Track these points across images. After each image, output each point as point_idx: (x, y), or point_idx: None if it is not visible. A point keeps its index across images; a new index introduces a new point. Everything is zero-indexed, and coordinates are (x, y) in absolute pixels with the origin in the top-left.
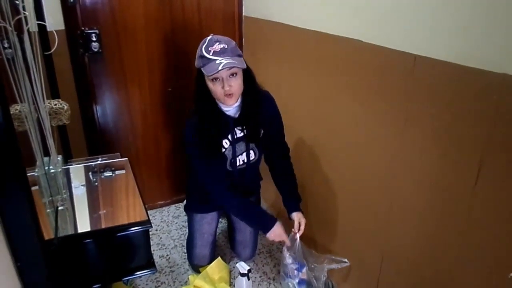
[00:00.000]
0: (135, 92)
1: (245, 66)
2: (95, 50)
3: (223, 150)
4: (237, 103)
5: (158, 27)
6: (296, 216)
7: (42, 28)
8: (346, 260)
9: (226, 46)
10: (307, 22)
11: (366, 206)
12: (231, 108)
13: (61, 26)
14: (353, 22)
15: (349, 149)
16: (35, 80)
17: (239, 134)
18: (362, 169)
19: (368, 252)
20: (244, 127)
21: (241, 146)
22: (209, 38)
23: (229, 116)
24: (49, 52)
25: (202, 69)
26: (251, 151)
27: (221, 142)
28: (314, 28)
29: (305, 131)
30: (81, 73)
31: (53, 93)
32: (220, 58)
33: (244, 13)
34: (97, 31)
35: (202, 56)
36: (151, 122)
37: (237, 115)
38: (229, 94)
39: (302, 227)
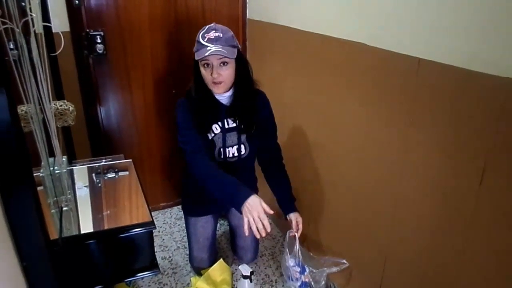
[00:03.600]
0: (139, 94)
1: (232, 57)
2: (100, 52)
3: (213, 135)
4: (229, 93)
5: (163, 29)
6: (293, 216)
7: (47, 30)
8: (345, 261)
9: (221, 35)
10: (311, 25)
11: (369, 208)
12: (223, 97)
13: (67, 28)
14: (357, 25)
15: (353, 151)
16: (41, 81)
17: (231, 124)
18: (366, 171)
19: (371, 254)
20: (237, 118)
21: (232, 137)
22: (208, 25)
23: (221, 103)
24: (54, 54)
25: (196, 53)
26: (242, 145)
27: (211, 125)
28: (318, 31)
29: (308, 133)
30: (85, 75)
31: (58, 94)
32: (211, 45)
33: (248, 16)
34: (102, 33)
35: (198, 41)
36: (155, 124)
37: (229, 104)
38: (217, 82)
39: (300, 226)
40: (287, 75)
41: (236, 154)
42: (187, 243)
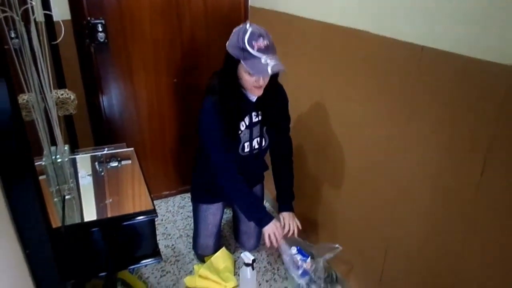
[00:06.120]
0: (141, 83)
1: (285, 69)
2: (101, 40)
3: (239, 132)
4: None
5: (164, 17)
6: (286, 216)
7: (48, 18)
8: (338, 245)
9: (268, 43)
10: (313, 13)
11: (371, 199)
12: (252, 95)
13: (67, 16)
14: (360, 13)
15: (354, 140)
16: (42, 70)
17: (254, 118)
18: (367, 161)
19: (372, 244)
20: (260, 112)
21: (255, 130)
22: (250, 30)
23: (249, 100)
24: (55, 42)
25: (243, 62)
26: (263, 138)
27: (240, 125)
28: (320, 18)
29: (310, 121)
30: (87, 63)
31: (60, 83)
32: (265, 57)
33: (250, 3)
34: (103, 21)
35: (244, 49)
36: (157, 113)
37: (254, 100)
38: (260, 87)
39: (291, 227)
40: (288, 63)
41: (256, 146)
42: (190, 231)
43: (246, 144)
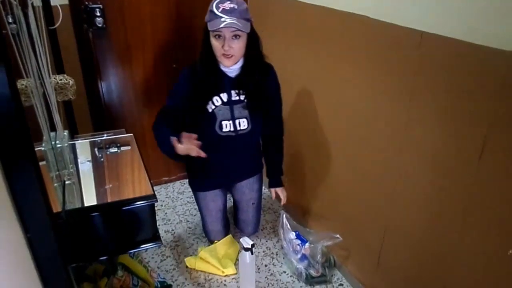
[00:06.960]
0: (139, 68)
1: (247, 30)
2: (99, 25)
3: (213, 107)
4: (237, 66)
5: (163, 2)
6: (279, 190)
7: (45, 2)
8: (338, 235)
9: (236, 7)
10: None
11: (370, 181)
12: (230, 70)
13: (65, 1)
14: None
15: (354, 125)
16: (40, 55)
17: (235, 96)
18: (367, 145)
19: (370, 229)
20: (242, 91)
21: (238, 110)
22: None
23: (226, 76)
24: (53, 27)
25: (208, 24)
26: (245, 120)
27: (211, 97)
28: (319, 3)
29: (310, 107)
30: (85, 49)
31: (58, 69)
32: (226, 17)
33: None
34: (101, 6)
35: (211, 11)
36: (156, 99)
37: (234, 77)
38: (228, 55)
39: (282, 200)
40: (286, 49)
41: (244, 127)
42: (189, 217)
43: (225, 123)
